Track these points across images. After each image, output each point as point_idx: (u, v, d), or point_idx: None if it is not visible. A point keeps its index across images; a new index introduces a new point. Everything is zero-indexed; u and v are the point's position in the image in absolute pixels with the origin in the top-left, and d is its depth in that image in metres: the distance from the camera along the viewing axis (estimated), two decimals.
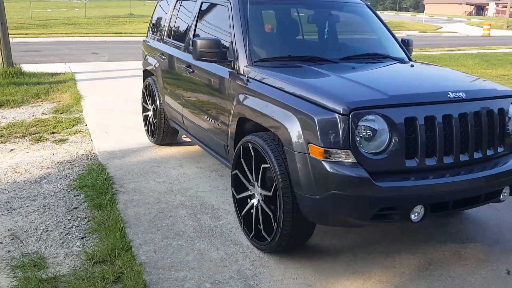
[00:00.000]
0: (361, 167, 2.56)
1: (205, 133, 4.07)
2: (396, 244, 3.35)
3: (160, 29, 5.33)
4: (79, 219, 3.70)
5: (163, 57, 4.95)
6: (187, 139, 5.80)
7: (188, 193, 4.19)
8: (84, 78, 9.89)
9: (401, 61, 3.77)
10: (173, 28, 4.93)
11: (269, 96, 3.03)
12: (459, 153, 2.76)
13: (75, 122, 6.45)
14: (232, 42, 3.61)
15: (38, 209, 3.81)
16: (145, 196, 4.12)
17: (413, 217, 2.66)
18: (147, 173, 4.67)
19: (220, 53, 3.51)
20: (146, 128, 5.73)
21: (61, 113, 6.93)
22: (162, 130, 5.31)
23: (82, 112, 7.02)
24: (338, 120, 2.57)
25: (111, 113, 6.98)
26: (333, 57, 3.59)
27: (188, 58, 4.26)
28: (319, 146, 2.60)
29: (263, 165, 3.02)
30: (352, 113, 2.56)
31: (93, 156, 5.16)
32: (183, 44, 4.53)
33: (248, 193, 3.31)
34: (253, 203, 3.24)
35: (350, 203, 2.59)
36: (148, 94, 5.56)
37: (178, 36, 4.75)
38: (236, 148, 3.33)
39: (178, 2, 4.89)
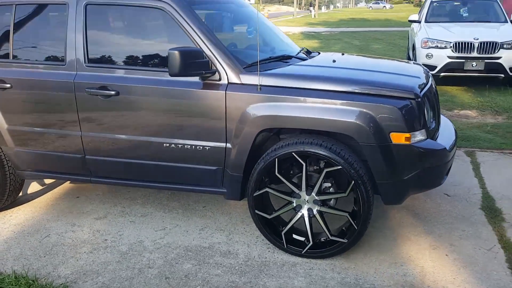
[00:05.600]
0: (433, 140, 2.93)
1: (161, 166, 3.26)
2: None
3: None
4: None
5: (7, 85, 3.44)
6: (29, 191, 4.25)
7: (150, 247, 3.29)
8: None
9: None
10: (14, 44, 3.47)
11: (313, 99, 2.86)
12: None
13: None
14: (201, 48, 3.05)
15: None
16: (110, 274, 3.00)
17: None
18: (51, 249, 3.29)
19: (205, 64, 2.94)
20: None
21: None
22: (8, 187, 3.74)
23: None
24: (416, 106, 2.83)
25: None
26: (292, 53, 3.59)
27: (96, 78, 3.23)
28: (405, 132, 2.78)
29: (326, 170, 2.89)
30: (422, 97, 2.88)
31: None
32: (62, 63, 3.32)
33: (291, 207, 3.05)
34: (302, 214, 3.04)
35: (434, 173, 2.94)
36: None
37: (43, 53, 3.43)
38: (264, 164, 2.96)
39: (17, 8, 3.45)
